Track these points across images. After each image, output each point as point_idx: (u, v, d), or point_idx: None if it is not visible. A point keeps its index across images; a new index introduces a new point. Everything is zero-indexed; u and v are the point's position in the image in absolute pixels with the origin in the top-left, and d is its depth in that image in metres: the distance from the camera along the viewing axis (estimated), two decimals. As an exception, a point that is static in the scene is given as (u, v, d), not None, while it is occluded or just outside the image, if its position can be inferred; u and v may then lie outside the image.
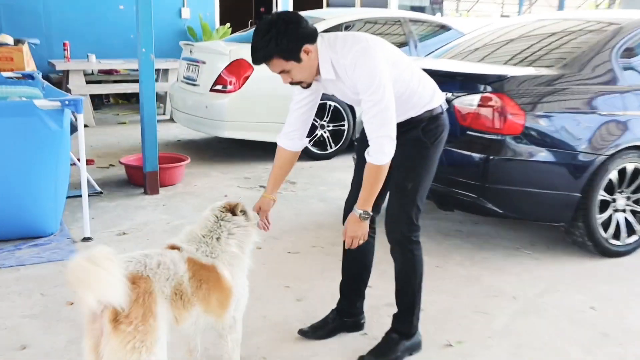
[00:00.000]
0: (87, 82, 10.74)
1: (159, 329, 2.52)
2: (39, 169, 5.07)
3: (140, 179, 6.76)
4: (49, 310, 3.98)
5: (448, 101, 4.82)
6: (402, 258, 3.43)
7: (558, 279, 4.67)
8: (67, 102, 4.99)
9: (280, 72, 3.02)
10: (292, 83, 3.10)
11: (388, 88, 2.99)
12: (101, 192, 6.61)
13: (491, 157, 4.71)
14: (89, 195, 6.23)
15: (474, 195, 4.81)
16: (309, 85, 3.17)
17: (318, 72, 3.10)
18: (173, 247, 2.83)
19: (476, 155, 4.78)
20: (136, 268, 2.57)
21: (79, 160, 5.51)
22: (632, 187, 5.04)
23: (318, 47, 3.04)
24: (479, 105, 4.78)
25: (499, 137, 4.72)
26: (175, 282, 2.64)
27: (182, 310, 2.65)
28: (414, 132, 3.27)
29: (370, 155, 3.05)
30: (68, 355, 3.46)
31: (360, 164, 3.38)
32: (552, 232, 5.48)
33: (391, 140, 3.03)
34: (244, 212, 3.05)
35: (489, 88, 4.77)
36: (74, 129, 5.35)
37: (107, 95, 12.31)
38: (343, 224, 3.48)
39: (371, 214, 3.14)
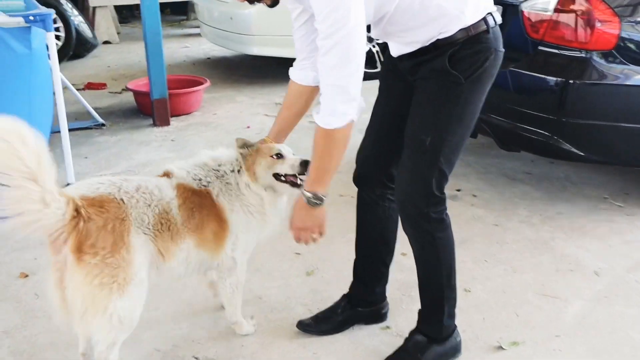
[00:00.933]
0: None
1: (134, 264, 2.25)
2: (6, 99, 4.30)
3: (149, 108, 5.98)
4: (-5, 285, 3.30)
5: (513, 4, 3.81)
6: (419, 241, 2.57)
7: (659, 245, 3.68)
8: (32, 18, 4.15)
9: None
10: (250, 2, 2.29)
11: (350, 9, 2.03)
12: (103, 125, 5.90)
13: (571, 82, 3.73)
14: (89, 128, 5.63)
15: (546, 133, 3.86)
16: (274, 3, 2.29)
17: None
18: (166, 174, 2.58)
19: (551, 79, 3.83)
20: (107, 190, 2.28)
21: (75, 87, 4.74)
22: None
23: None
24: (557, 10, 3.78)
25: (583, 54, 3.72)
26: (160, 209, 2.37)
27: (170, 243, 2.39)
28: (439, 61, 2.32)
29: (318, 114, 2.19)
30: (-4, 353, 2.76)
31: (385, 95, 2.62)
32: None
33: (347, 94, 2.13)
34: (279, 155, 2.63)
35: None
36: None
37: (138, 6, 11.45)
38: (355, 183, 2.73)
39: (324, 198, 2.32)
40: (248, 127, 5.84)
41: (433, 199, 2.43)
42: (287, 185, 2.61)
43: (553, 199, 4.30)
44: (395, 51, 2.47)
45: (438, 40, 2.30)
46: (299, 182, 2.58)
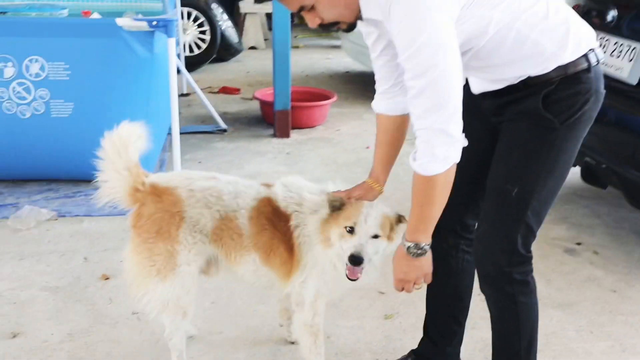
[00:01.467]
0: (263, -3, 10.13)
1: (178, 257, 2.40)
2: (126, 100, 4.44)
3: (273, 118, 5.97)
4: (78, 282, 3.42)
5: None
6: (497, 305, 2.28)
7: None
8: (155, 23, 4.21)
9: (301, 11, 2.00)
10: (323, 26, 2.04)
11: (442, 50, 1.82)
12: (224, 130, 5.93)
13: None
14: (211, 132, 5.71)
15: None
16: (349, 29, 2.09)
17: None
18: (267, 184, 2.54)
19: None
20: (175, 183, 2.44)
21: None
22: None
23: None
24: None
25: None
26: (222, 215, 2.40)
27: (233, 251, 2.44)
28: (530, 102, 2.04)
29: (416, 160, 1.97)
30: (55, 356, 2.82)
31: None
32: None
33: (448, 136, 1.90)
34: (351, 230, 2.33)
35: None
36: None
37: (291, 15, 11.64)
38: None
39: (427, 247, 2.12)
40: (368, 147, 5.66)
41: (517, 258, 2.17)
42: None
43: (689, 269, 3.77)
44: (476, 88, 2.21)
45: (530, 78, 2.03)
46: (352, 274, 2.31)
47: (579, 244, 4.05)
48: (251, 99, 6.95)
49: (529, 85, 2.03)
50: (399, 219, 2.31)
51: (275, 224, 2.43)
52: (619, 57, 3.83)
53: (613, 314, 3.30)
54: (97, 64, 4.33)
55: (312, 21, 2.03)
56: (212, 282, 3.27)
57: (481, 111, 2.21)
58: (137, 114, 4.35)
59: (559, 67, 2.00)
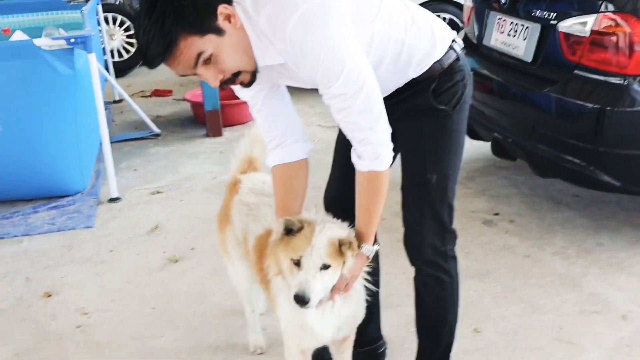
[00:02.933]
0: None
1: (229, 258, 2.79)
2: (53, 118, 4.56)
3: (204, 118, 6.09)
4: (20, 304, 3.52)
5: (551, 24, 3.61)
6: (437, 285, 2.47)
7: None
8: (73, 40, 4.31)
9: (199, 67, 1.91)
10: (226, 82, 2.01)
11: (362, 67, 1.99)
12: (158, 135, 6.05)
13: (609, 109, 3.47)
14: (145, 138, 5.80)
15: (582, 163, 3.61)
16: (252, 81, 2.09)
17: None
18: None
19: (587, 106, 3.58)
20: (249, 186, 2.67)
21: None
22: None
23: (239, 16, 1.99)
24: (595, 32, 3.52)
25: (622, 80, 3.47)
26: (250, 230, 2.53)
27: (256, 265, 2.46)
28: (422, 99, 2.27)
29: (365, 160, 2.11)
30: (3, 376, 2.89)
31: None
32: None
33: (387, 133, 2.10)
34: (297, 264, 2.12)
35: (610, 6, 3.49)
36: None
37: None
38: None
39: (378, 247, 2.29)
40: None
41: (449, 236, 2.40)
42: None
43: (597, 228, 4.07)
44: None
45: (413, 79, 2.25)
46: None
47: (496, 214, 4.31)
48: (182, 100, 7.02)
49: (413, 84, 2.25)
50: (348, 240, 2.11)
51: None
52: (515, 36, 4.09)
53: (526, 278, 3.57)
54: (20, 85, 4.41)
55: (213, 78, 1.95)
56: (151, 288, 3.45)
57: None
58: (66, 130, 4.51)
59: (435, 63, 2.22)
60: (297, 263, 2.05)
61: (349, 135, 2.12)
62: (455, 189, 2.40)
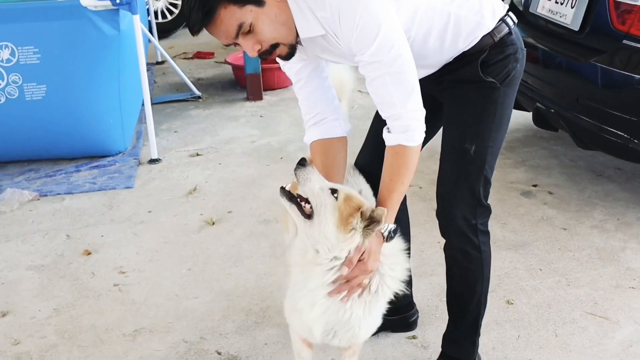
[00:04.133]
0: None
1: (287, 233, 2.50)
2: (97, 78, 4.60)
3: (245, 81, 6.09)
4: (61, 260, 3.58)
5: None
6: (465, 259, 2.43)
7: None
8: (118, 1, 4.33)
9: (239, 37, 1.93)
10: (263, 53, 2.01)
11: (398, 37, 1.96)
12: (199, 97, 6.06)
13: (655, 80, 3.35)
14: (186, 100, 5.83)
15: (626, 135, 3.52)
16: (290, 54, 2.06)
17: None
18: None
19: (635, 77, 3.46)
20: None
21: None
22: None
23: None
24: (647, 0, 3.38)
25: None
26: None
27: None
28: (470, 70, 2.22)
29: (394, 133, 2.07)
30: (41, 331, 3.00)
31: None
32: None
33: (419, 112, 2.05)
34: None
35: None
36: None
37: None
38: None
39: (395, 227, 2.11)
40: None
41: (481, 210, 2.35)
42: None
43: (637, 202, 3.98)
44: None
45: (463, 53, 2.20)
46: None
47: (535, 185, 4.24)
48: (224, 62, 7.01)
49: (463, 57, 2.20)
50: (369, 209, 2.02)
51: None
52: (563, 3, 3.97)
53: (562, 251, 3.51)
54: (65, 45, 4.45)
55: (251, 48, 1.96)
56: (188, 249, 3.49)
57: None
58: (109, 90, 4.56)
59: (485, 36, 2.17)
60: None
61: (381, 109, 2.09)
62: (495, 164, 2.35)
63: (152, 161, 4.75)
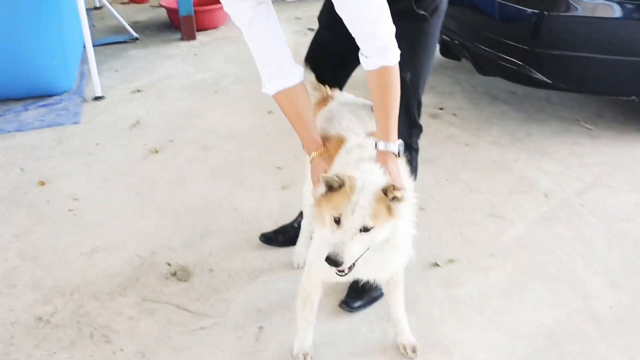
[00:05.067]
0: None
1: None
2: (39, 24, 4.36)
3: (179, 23, 5.90)
4: (17, 191, 3.46)
5: None
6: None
7: (612, 169, 3.53)
8: None
9: None
10: None
11: None
12: (136, 39, 5.85)
13: (545, 13, 3.43)
14: (124, 42, 5.61)
15: (519, 62, 3.61)
16: None
17: None
18: None
19: (527, 11, 3.51)
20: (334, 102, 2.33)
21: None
22: None
23: None
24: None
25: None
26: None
27: None
28: (404, 4, 2.20)
29: (373, 57, 1.98)
30: (4, 254, 2.93)
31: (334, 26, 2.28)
32: (629, 105, 4.16)
33: (391, 30, 1.98)
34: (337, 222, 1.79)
35: None
36: None
37: None
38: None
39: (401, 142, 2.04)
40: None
41: (415, 130, 2.40)
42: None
43: (527, 120, 4.13)
44: None
45: None
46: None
47: (441, 108, 4.33)
48: (159, 6, 6.77)
49: None
50: (393, 188, 1.77)
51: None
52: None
53: (465, 164, 3.63)
54: (7, -8, 4.18)
55: None
56: (135, 176, 3.43)
57: None
58: (51, 35, 4.36)
59: None
60: (338, 221, 1.75)
61: (354, 29, 1.96)
62: (425, 87, 2.37)
63: (97, 98, 4.61)
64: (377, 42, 1.95)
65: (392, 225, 1.80)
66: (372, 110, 2.14)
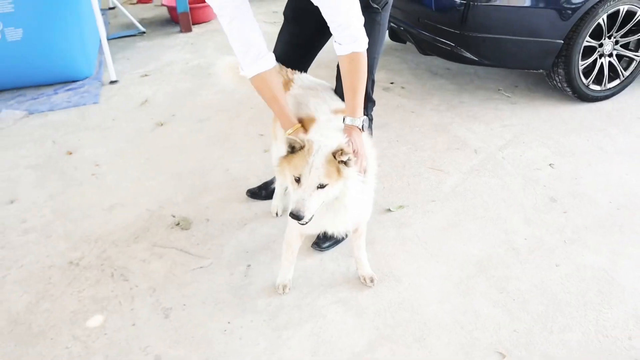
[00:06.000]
0: None
1: (275, 140, 2.22)
2: (62, 21, 4.10)
3: (178, 18, 5.63)
4: (50, 160, 3.30)
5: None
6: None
7: (527, 128, 3.46)
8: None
9: None
10: None
11: None
12: (144, 32, 5.56)
13: (471, 3, 3.29)
14: (134, 35, 5.35)
15: (452, 43, 3.48)
16: None
17: None
18: None
19: (456, 1, 3.36)
20: (295, 86, 2.17)
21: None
22: (622, 32, 3.49)
23: None
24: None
25: (481, -19, 3.23)
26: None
27: None
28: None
29: (345, 44, 1.87)
30: (41, 212, 2.80)
31: (298, 23, 2.26)
32: (539, 76, 4.08)
33: (361, 22, 1.89)
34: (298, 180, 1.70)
35: None
36: None
37: None
38: None
39: (366, 118, 1.94)
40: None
41: (370, 103, 2.36)
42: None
43: (460, 91, 4.03)
44: None
45: None
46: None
47: (392, 83, 4.20)
48: (161, 5, 6.47)
49: None
50: (341, 152, 1.66)
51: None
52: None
53: (411, 127, 3.54)
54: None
55: None
56: (144, 145, 3.29)
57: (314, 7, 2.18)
58: (73, 30, 4.10)
59: None
60: (298, 180, 1.67)
61: (330, 19, 1.84)
62: (377, 67, 2.30)
63: (112, 82, 4.39)
64: (350, 31, 1.86)
65: (342, 185, 1.70)
66: (332, 91, 2.04)
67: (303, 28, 2.24)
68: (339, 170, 1.66)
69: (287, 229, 2.10)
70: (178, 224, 2.66)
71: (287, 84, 2.20)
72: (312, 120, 2.00)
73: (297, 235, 2.07)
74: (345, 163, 1.66)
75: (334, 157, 1.65)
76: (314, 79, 2.27)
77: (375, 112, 3.68)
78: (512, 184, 2.90)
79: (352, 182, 1.71)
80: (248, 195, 2.82)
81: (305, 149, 1.66)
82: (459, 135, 3.40)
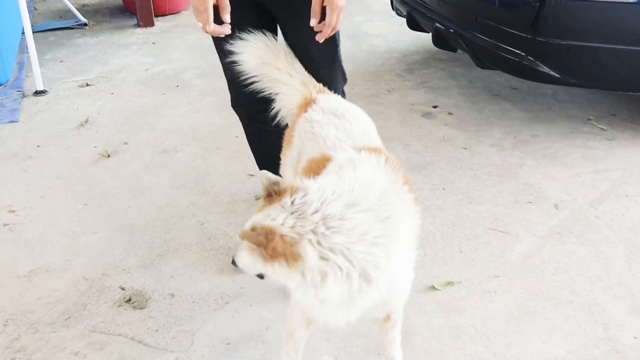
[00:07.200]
0: None
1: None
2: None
3: (134, 7, 5.78)
4: None
5: None
6: None
7: (630, 175, 3.51)
8: None
9: None
10: None
11: None
12: (85, 24, 5.72)
13: (549, -2, 3.40)
14: (71, 28, 5.49)
15: (522, 53, 3.56)
16: None
17: None
18: None
19: (529, -6, 3.47)
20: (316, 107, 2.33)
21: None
22: None
23: None
24: None
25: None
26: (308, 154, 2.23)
27: None
28: None
29: None
30: None
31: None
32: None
33: None
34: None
35: None
36: None
37: None
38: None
39: None
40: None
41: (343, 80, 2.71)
42: None
43: (532, 120, 4.09)
44: None
45: None
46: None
47: (435, 106, 4.27)
48: (110, -13, 6.65)
49: None
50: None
51: None
52: None
53: (463, 170, 3.57)
54: None
55: None
56: (83, 184, 3.33)
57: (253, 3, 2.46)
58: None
59: None
60: None
61: None
62: None
63: (38, 93, 4.48)
64: None
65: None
66: (369, 121, 2.28)
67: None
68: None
69: (287, 312, 2.09)
70: (129, 300, 2.65)
71: (305, 106, 2.28)
72: (325, 159, 2.02)
73: (301, 321, 2.05)
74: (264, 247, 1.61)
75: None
76: (346, 103, 2.33)
77: (410, 146, 3.76)
78: (611, 255, 2.90)
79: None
80: (234, 266, 2.80)
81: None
82: (532, 182, 3.44)
